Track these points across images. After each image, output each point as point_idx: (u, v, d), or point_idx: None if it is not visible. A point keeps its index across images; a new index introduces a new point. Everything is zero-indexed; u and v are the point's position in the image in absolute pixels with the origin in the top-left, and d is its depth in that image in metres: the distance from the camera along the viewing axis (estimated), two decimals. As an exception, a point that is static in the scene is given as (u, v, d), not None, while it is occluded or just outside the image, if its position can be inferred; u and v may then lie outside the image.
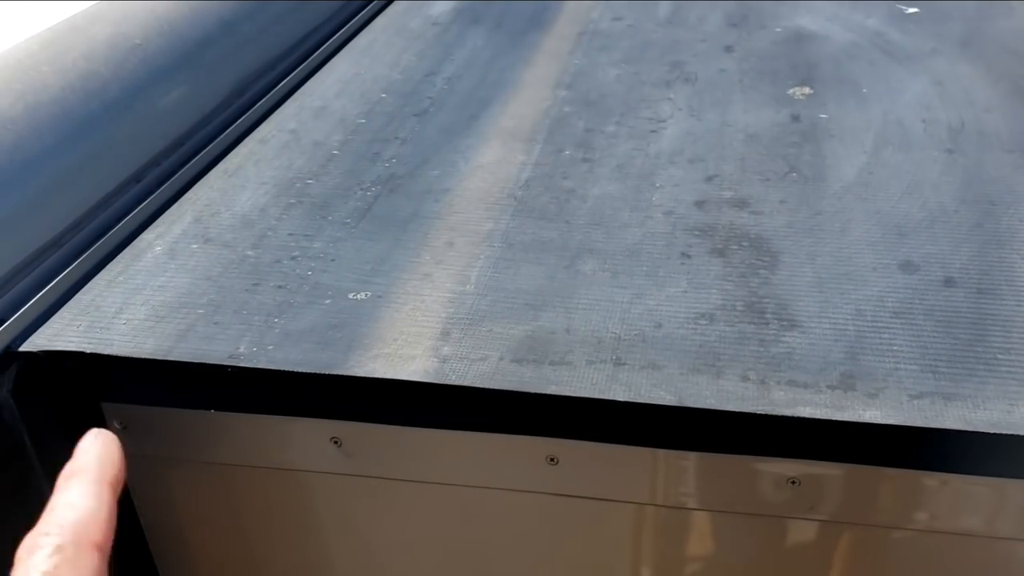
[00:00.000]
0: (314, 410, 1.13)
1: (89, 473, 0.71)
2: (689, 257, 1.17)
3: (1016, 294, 1.06)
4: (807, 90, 1.60)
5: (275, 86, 1.71)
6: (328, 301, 1.14)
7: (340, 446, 1.15)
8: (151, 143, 1.38)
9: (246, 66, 1.65)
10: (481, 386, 0.99)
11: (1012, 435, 0.88)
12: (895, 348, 0.99)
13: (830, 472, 1.02)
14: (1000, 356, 0.97)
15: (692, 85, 1.66)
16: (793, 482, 1.04)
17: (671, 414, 0.97)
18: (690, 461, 1.04)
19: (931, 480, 0.97)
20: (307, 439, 1.14)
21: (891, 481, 1.00)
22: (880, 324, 1.03)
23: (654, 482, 1.08)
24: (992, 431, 0.88)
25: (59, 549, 0.63)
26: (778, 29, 1.88)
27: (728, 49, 1.80)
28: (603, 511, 1.13)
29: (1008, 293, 1.06)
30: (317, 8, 1.95)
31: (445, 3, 2.15)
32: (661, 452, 1.06)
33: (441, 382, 1.00)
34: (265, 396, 1.12)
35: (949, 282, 1.09)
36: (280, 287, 1.17)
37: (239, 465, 1.19)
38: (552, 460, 1.10)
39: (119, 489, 0.74)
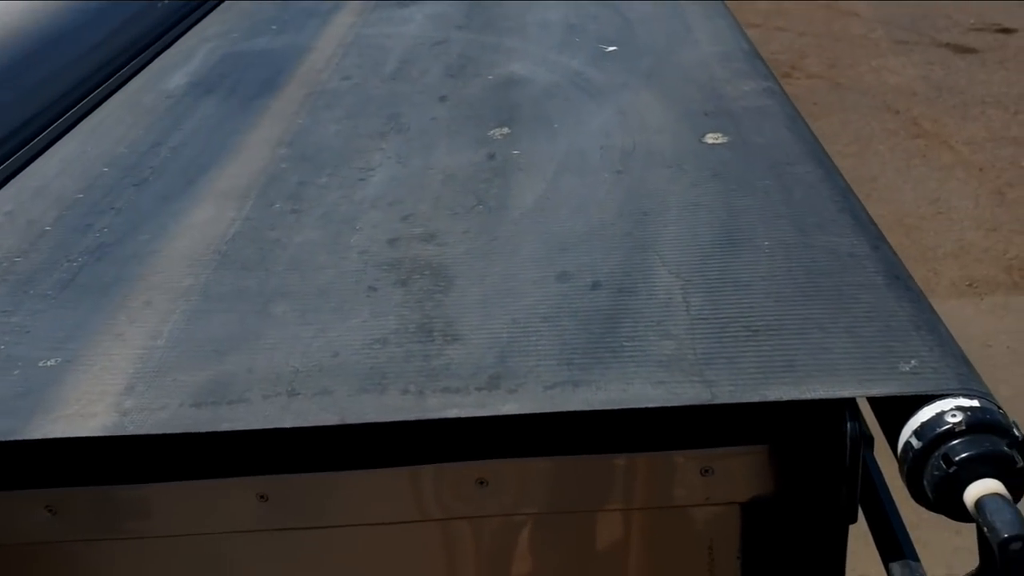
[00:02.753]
0: (21, 482, 1.15)
1: None
2: (375, 290, 1.26)
3: (649, 290, 1.20)
4: (506, 130, 1.74)
5: (-8, 171, 1.71)
6: (17, 372, 1.16)
7: (55, 514, 1.17)
8: None
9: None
10: (158, 432, 1.03)
11: (627, 409, 1.00)
12: (540, 348, 1.11)
13: (513, 468, 1.13)
14: (626, 344, 1.10)
15: (404, 134, 1.77)
16: (482, 482, 1.13)
17: (344, 433, 1.05)
18: (389, 476, 1.13)
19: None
20: (20, 511, 1.15)
21: (574, 468, 1.11)
22: (530, 328, 1.14)
23: (362, 502, 1.15)
24: (607, 407, 1.00)
25: None
26: (490, 76, 2.03)
27: (442, 99, 1.93)
28: (315, 539, 1.19)
29: (643, 290, 1.20)
30: (44, 90, 1.96)
31: (182, 77, 2.20)
32: (363, 472, 1.13)
33: (119, 434, 1.04)
34: None
35: (596, 286, 1.22)
36: (-44, 365, 1.18)
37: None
38: (263, 497, 1.16)
39: None
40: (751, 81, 1.85)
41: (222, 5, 2.86)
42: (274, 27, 2.55)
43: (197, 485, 1.15)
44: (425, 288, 1.26)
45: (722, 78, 1.88)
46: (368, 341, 1.15)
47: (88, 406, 1.08)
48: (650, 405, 0.99)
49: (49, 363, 1.16)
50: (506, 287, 1.24)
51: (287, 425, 1.02)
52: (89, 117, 2.01)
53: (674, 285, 1.20)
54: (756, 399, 1.00)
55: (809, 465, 1.10)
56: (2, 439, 1.03)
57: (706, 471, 1.11)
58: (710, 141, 1.60)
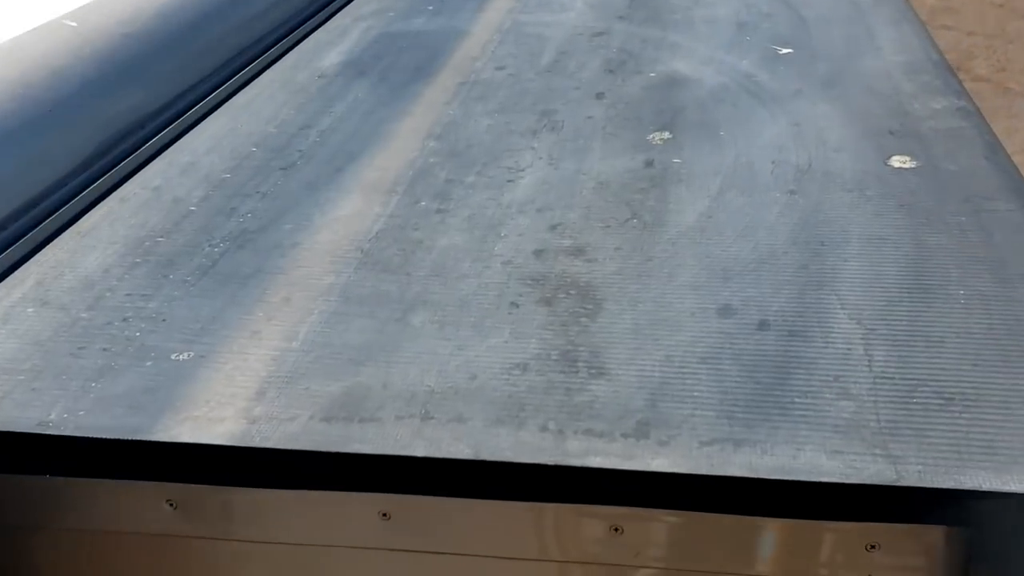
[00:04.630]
0: (146, 473, 1.13)
1: None
2: (517, 307, 1.18)
3: (826, 336, 1.07)
4: (666, 135, 1.62)
5: (145, 143, 1.71)
6: (149, 363, 1.13)
7: (176, 508, 1.14)
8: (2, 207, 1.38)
9: (111, 126, 1.65)
10: (284, 448, 0.98)
11: (794, 480, 0.88)
12: (697, 394, 1.00)
13: (654, 518, 1.03)
14: (797, 400, 0.98)
15: (557, 133, 1.68)
16: (616, 529, 1.04)
17: (481, 467, 0.97)
18: (519, 510, 1.05)
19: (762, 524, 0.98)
20: (143, 502, 1.13)
21: (719, 527, 1.00)
22: (686, 369, 1.03)
23: (486, 533, 1.08)
24: (775, 477, 0.88)
25: None
26: (652, 74, 1.91)
27: (599, 96, 1.83)
28: (435, 564, 1.13)
29: (818, 336, 1.07)
30: (198, 63, 1.96)
31: (336, 56, 2.17)
32: (491, 503, 1.06)
33: (245, 444, 0.99)
34: (96, 461, 1.11)
35: (763, 325, 1.10)
36: (105, 350, 1.16)
37: (76, 529, 1.18)
38: (384, 515, 1.10)
39: None
40: (942, 98, 1.67)
41: (380, -17, 2.83)
42: (431, 7, 2.50)
43: (319, 496, 1.10)
44: (571, 309, 1.16)
45: (909, 93, 1.70)
46: (507, 365, 1.07)
47: (217, 409, 1.04)
48: (825, 480, 0.87)
49: (181, 357, 1.13)
50: (660, 317, 1.13)
51: (419, 454, 0.95)
52: (242, 92, 2.00)
53: (854, 333, 1.06)
54: (949, 485, 0.86)
55: (995, 554, 0.96)
56: (128, 437, 1.00)
57: (872, 547, 0.99)
58: (896, 165, 1.44)
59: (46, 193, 1.47)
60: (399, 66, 2.09)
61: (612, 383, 1.02)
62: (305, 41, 2.30)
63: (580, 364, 1.06)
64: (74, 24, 1.67)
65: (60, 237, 1.44)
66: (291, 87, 2.00)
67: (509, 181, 1.52)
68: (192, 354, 1.14)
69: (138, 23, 1.82)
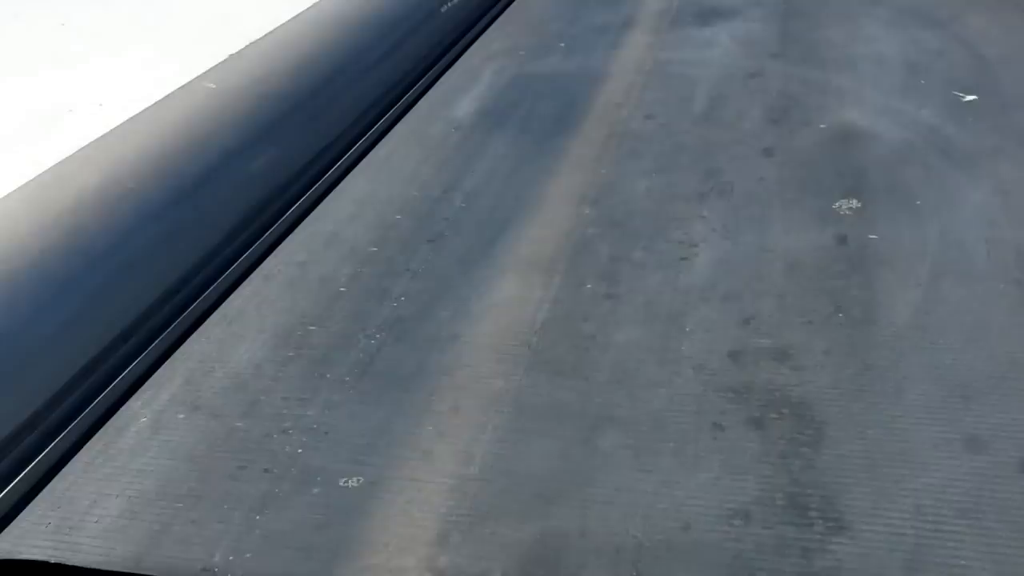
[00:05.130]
0: None
1: None
2: (722, 429, 1.04)
3: (1107, 483, 0.90)
4: (854, 203, 1.46)
5: (287, 210, 1.62)
6: (316, 490, 1.02)
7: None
8: (141, 295, 1.30)
9: (253, 195, 1.57)
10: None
11: None
12: (963, 562, 0.84)
13: None
14: (1092, 575, 0.81)
15: (727, 199, 1.53)
16: None
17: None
18: None
19: None
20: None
21: None
22: (943, 526, 0.88)
23: None
24: None
25: None
26: (823, 126, 1.74)
27: (767, 152, 1.67)
28: None
29: (1098, 481, 0.90)
30: (332, 120, 1.87)
31: (469, 104, 2.06)
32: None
33: (435, 606, 0.87)
34: None
35: (1025, 466, 0.93)
36: (267, 471, 1.06)
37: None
38: None
39: None
40: None
41: (504, 15, 2.72)
42: (562, 44, 2.37)
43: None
44: (787, 435, 1.01)
45: None
46: (725, 512, 0.93)
47: (397, 556, 0.92)
48: None
49: (350, 483, 1.02)
50: (896, 450, 0.97)
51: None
52: (378, 147, 1.91)
53: None
54: None
55: None
56: (303, 590, 0.89)
57: None
58: None
59: (192, 272, 1.39)
60: (538, 115, 1.97)
61: (857, 542, 0.87)
62: (436, 86, 2.20)
63: (813, 513, 0.91)
64: (213, 86, 1.59)
65: (206, 323, 1.35)
66: (427, 142, 1.90)
67: (683, 259, 1.38)
68: (362, 480, 1.03)
69: (273, 81, 1.74)
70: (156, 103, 1.51)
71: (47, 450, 1.11)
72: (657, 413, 1.08)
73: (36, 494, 1.06)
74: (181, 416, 1.16)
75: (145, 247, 1.33)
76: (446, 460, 1.05)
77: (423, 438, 1.09)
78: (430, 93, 2.17)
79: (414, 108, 2.10)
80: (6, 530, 1.01)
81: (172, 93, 1.55)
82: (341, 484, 1.03)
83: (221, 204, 1.49)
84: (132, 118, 1.44)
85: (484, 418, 1.10)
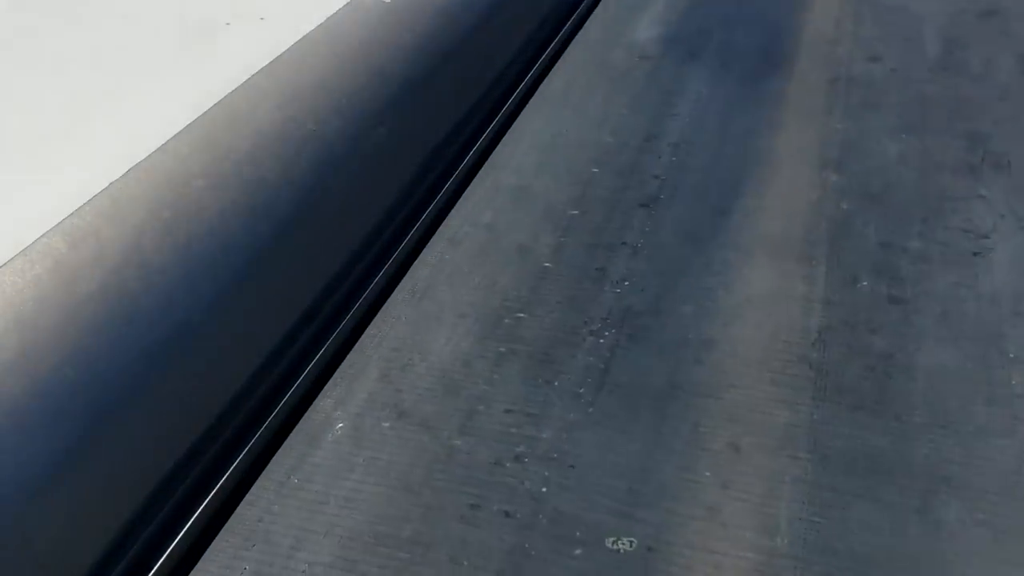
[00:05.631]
0: None
1: None
2: (1102, 507, 0.80)
3: None
4: None
5: (464, 156, 1.37)
6: (578, 551, 0.81)
7: None
8: (324, 263, 1.07)
9: (431, 131, 1.32)
10: None
11: None
12: None
13: None
14: None
15: (1007, 174, 1.26)
16: None
17: None
18: None
19: None
20: None
21: None
22: None
23: None
24: None
25: None
26: (1102, 84, 1.45)
27: (1042, 115, 1.38)
28: None
29: None
30: (497, 50, 1.60)
31: (649, 27, 1.78)
32: None
33: None
34: None
35: None
36: (508, 516, 0.84)
37: None
38: None
39: None
40: None
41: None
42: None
43: None
44: None
45: None
46: None
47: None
48: None
49: (620, 545, 0.81)
50: None
51: None
52: (551, 76, 1.64)
53: None
54: None
55: None
56: None
57: None
58: None
59: (373, 235, 1.16)
60: (737, 47, 1.68)
61: None
62: (604, 2, 1.91)
63: None
64: (388, 1, 1.33)
65: (392, 298, 1.13)
66: (610, 71, 1.63)
67: (975, 254, 1.12)
68: (635, 542, 0.81)
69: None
70: (327, 20, 1.26)
71: (233, 464, 0.90)
72: (1003, 475, 0.84)
73: (223, 522, 0.86)
74: (386, 425, 0.95)
75: (327, 201, 1.09)
76: (740, 524, 0.82)
77: (703, 489, 0.86)
78: (598, 11, 1.88)
79: (583, 29, 1.81)
80: (193, 571, 0.81)
81: (341, 9, 1.29)
82: (608, 546, 0.81)
83: (402, 143, 1.24)
84: (301, 39, 1.19)
85: (775, 465, 0.88)
